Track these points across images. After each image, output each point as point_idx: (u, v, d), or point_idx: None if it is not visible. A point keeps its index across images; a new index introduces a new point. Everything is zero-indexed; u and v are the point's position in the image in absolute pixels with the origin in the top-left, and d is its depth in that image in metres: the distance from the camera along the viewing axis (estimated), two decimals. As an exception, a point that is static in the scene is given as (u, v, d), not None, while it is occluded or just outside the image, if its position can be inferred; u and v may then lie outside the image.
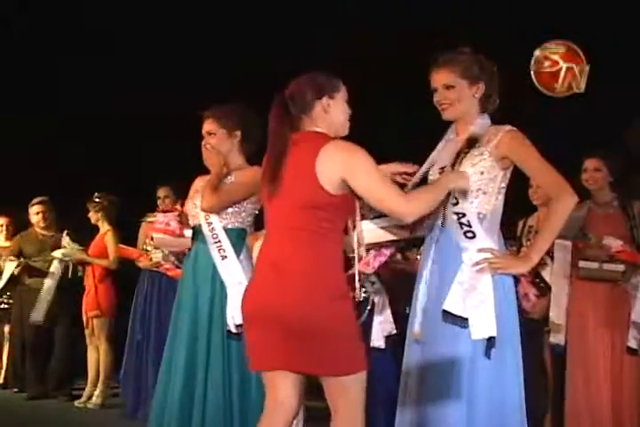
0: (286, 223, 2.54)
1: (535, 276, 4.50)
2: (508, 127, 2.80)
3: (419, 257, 3.61)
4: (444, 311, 2.71)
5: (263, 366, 2.61)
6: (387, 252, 4.37)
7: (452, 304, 2.70)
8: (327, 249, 2.54)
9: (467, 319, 2.68)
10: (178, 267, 5.20)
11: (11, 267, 6.21)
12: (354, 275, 4.55)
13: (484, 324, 2.67)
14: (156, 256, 5.37)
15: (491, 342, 2.66)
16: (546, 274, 4.49)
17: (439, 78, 2.84)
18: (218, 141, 3.65)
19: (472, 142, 2.79)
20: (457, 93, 2.81)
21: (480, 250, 2.73)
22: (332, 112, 2.62)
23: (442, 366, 2.67)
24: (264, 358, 2.58)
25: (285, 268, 2.49)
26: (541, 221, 4.62)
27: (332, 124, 2.63)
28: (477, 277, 2.70)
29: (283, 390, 2.58)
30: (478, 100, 2.85)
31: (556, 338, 4.33)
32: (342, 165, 2.48)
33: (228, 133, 3.65)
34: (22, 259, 6.24)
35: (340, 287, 2.55)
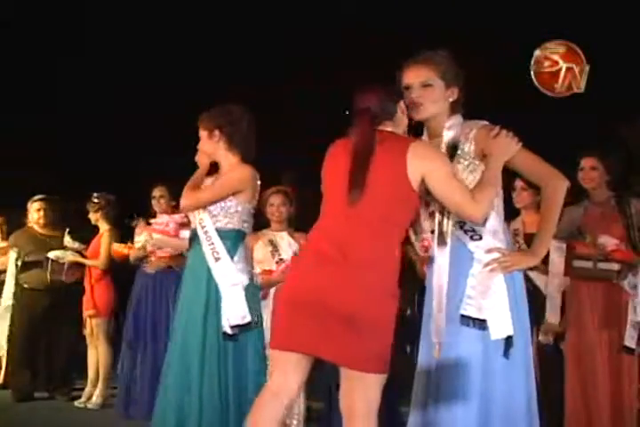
0: (367, 215, 2.59)
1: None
2: (481, 123, 2.76)
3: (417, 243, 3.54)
4: (462, 316, 2.69)
5: (292, 347, 2.60)
6: None
7: (469, 308, 2.69)
8: (395, 245, 2.63)
9: (485, 321, 2.67)
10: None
11: (12, 258, 6.21)
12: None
13: (501, 324, 2.67)
14: (139, 241, 5.39)
15: (509, 341, 2.66)
16: (534, 275, 4.49)
17: (417, 75, 2.77)
18: (201, 143, 3.72)
19: (452, 149, 2.75)
20: (433, 93, 2.76)
21: (488, 251, 2.72)
22: (404, 113, 2.78)
23: (455, 368, 2.66)
24: (297, 339, 2.58)
25: (354, 258, 2.54)
26: (526, 224, 4.61)
27: (403, 123, 2.78)
28: (490, 277, 2.70)
29: (295, 375, 2.62)
30: (449, 103, 2.80)
31: (546, 338, 4.34)
32: (427, 164, 2.60)
33: (208, 135, 3.70)
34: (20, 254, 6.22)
35: (395, 285, 2.61)
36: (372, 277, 2.54)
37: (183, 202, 3.62)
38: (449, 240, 2.73)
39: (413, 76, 2.77)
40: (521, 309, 2.75)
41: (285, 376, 2.62)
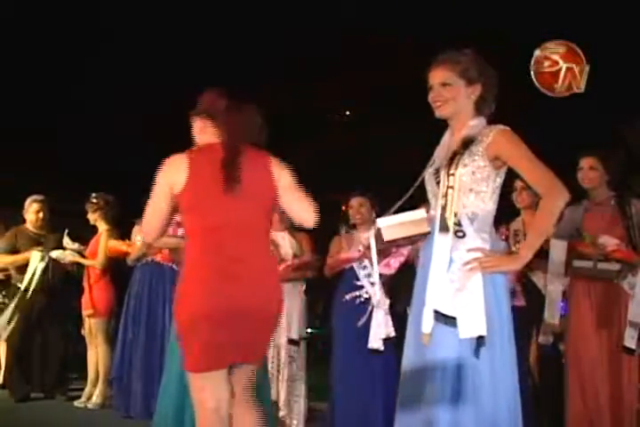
0: (249, 225, 2.77)
1: (524, 277, 4.51)
2: (501, 127, 2.80)
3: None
4: (435, 312, 2.69)
5: (220, 365, 2.73)
6: (405, 251, 4.36)
7: (442, 304, 2.69)
8: (270, 246, 2.93)
9: (456, 319, 2.67)
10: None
11: (36, 259, 6.15)
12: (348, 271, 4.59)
13: (472, 323, 2.65)
14: (139, 240, 5.38)
15: (480, 341, 2.64)
16: (537, 279, 4.49)
17: (436, 75, 2.86)
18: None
19: (467, 143, 2.79)
20: (452, 92, 2.83)
21: (469, 250, 2.72)
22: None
23: (432, 368, 2.67)
24: (222, 356, 2.71)
25: (252, 267, 2.74)
26: (527, 224, 4.61)
27: None
28: (467, 276, 2.69)
29: (226, 386, 2.76)
30: (474, 101, 2.86)
31: (546, 338, 4.33)
32: (284, 174, 2.86)
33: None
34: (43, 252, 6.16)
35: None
36: (270, 281, 2.79)
37: None
38: (451, 225, 2.74)
39: (434, 77, 2.87)
40: (503, 310, 2.73)
41: (220, 391, 2.73)
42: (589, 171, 4.31)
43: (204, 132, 2.96)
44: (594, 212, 4.32)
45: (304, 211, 2.87)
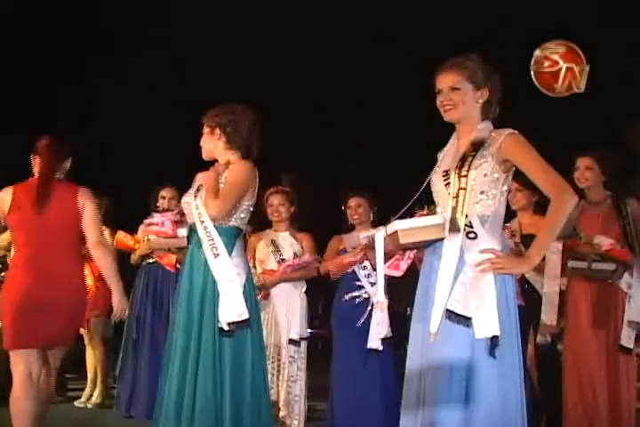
0: (56, 240, 3.72)
1: (521, 276, 4.52)
2: (509, 130, 2.82)
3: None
4: (448, 311, 2.71)
5: (28, 345, 3.65)
6: (411, 255, 4.35)
7: (456, 304, 2.71)
8: (77, 255, 3.84)
9: (470, 319, 2.69)
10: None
11: None
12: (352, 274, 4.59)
13: (486, 323, 2.67)
14: (147, 239, 5.34)
15: (494, 341, 2.66)
16: (530, 276, 4.49)
17: (445, 80, 2.88)
18: (203, 139, 3.74)
19: (477, 146, 2.81)
20: (461, 96, 2.85)
21: (482, 251, 2.73)
22: None
23: (440, 368, 2.67)
24: (30, 338, 3.63)
25: (57, 271, 3.70)
26: (522, 225, 4.61)
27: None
28: (480, 276, 2.71)
29: (37, 366, 3.73)
30: (481, 105, 2.88)
31: (544, 338, 4.33)
32: (89, 204, 3.83)
33: (210, 132, 3.71)
34: None
35: (80, 280, 3.89)
36: (68, 281, 3.73)
37: (213, 212, 3.55)
38: (462, 226, 2.75)
39: (443, 81, 2.88)
40: (512, 310, 2.75)
41: (30, 368, 3.71)
42: (586, 171, 4.31)
43: (35, 166, 3.88)
44: (590, 211, 4.32)
45: (92, 231, 3.81)
